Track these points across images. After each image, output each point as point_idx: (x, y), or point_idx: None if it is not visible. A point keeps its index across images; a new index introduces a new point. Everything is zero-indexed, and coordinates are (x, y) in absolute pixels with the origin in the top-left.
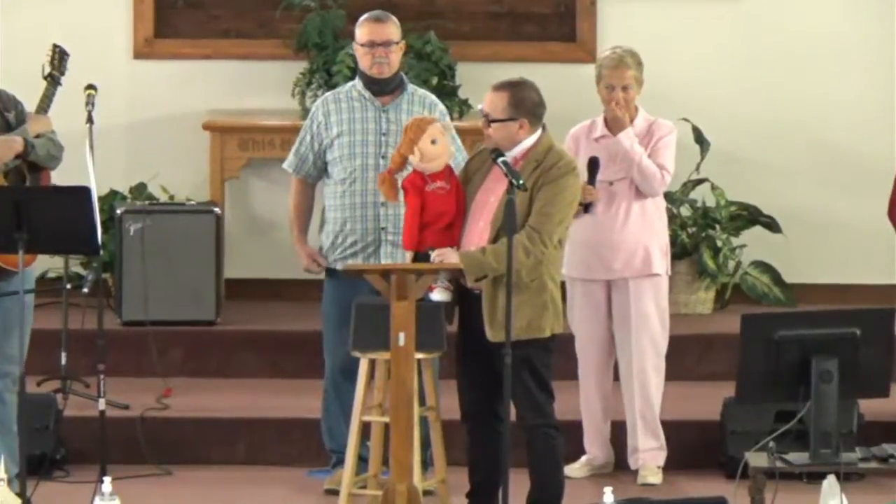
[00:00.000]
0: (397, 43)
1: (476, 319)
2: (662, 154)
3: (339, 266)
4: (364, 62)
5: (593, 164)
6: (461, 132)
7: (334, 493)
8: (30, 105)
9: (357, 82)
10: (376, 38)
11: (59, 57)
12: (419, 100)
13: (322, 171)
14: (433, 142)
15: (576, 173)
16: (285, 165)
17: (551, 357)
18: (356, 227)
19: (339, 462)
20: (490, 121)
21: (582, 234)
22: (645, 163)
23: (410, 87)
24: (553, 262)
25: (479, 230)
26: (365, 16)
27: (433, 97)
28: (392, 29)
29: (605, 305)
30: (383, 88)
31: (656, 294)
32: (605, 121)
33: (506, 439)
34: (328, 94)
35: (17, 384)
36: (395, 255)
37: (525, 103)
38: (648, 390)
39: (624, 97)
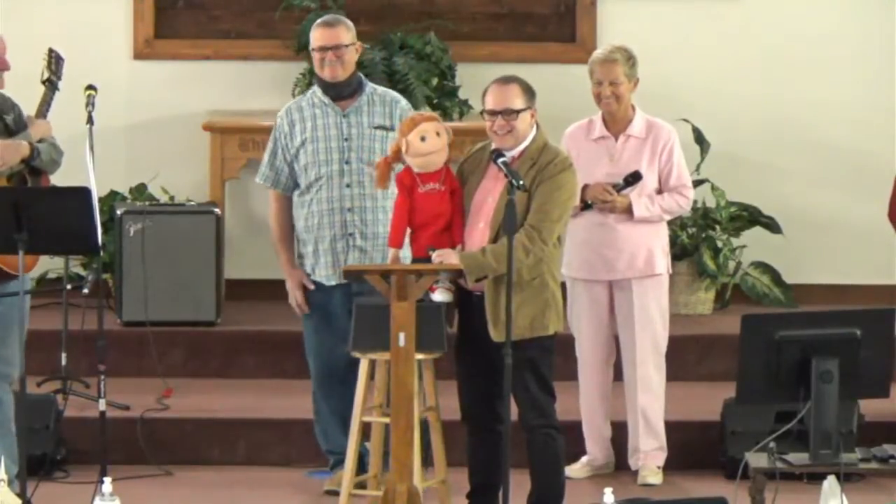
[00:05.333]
0: (348, 45)
1: (477, 320)
2: (675, 172)
3: (315, 275)
4: (317, 66)
5: (634, 177)
6: (461, 132)
7: (335, 493)
8: (27, 108)
9: (317, 88)
10: (326, 43)
11: (56, 62)
12: (380, 99)
13: (297, 181)
14: (422, 138)
15: (573, 170)
16: (260, 180)
17: (553, 357)
18: (324, 234)
19: (339, 463)
20: (516, 111)
21: (584, 234)
22: (666, 207)
23: (370, 86)
24: (553, 261)
25: (479, 231)
26: (317, 21)
27: (394, 94)
28: (342, 32)
29: (607, 306)
30: (340, 92)
31: (658, 294)
32: (604, 120)
33: (506, 440)
34: (291, 103)
35: (15, 385)
36: (364, 261)
37: (530, 92)
38: (651, 390)
39: (613, 91)
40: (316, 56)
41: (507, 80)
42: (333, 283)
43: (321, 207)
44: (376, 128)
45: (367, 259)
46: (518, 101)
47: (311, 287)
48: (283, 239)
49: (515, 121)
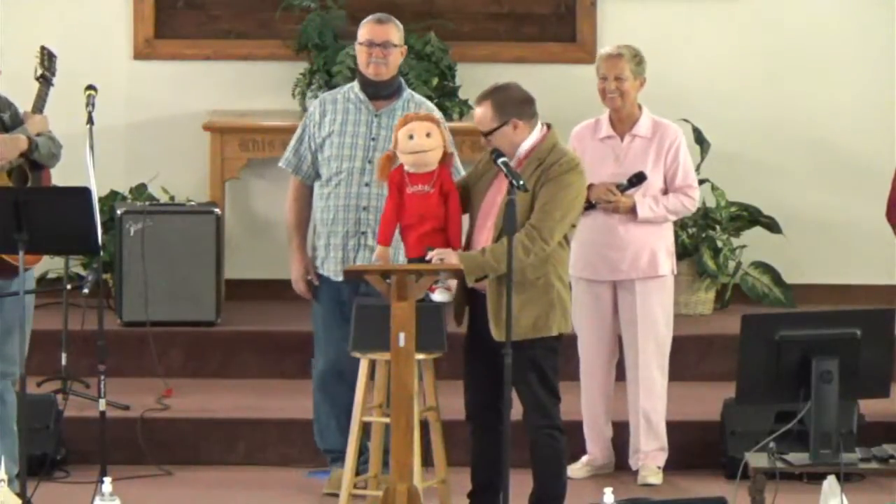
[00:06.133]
0: (396, 46)
1: (483, 319)
2: (681, 173)
3: (323, 269)
4: (361, 60)
5: (638, 178)
6: (461, 132)
7: (334, 495)
8: (25, 106)
9: (355, 84)
10: (375, 38)
11: (48, 58)
12: (415, 107)
13: (318, 172)
14: (410, 136)
15: (579, 170)
16: (282, 164)
17: (558, 358)
18: (337, 229)
19: (336, 460)
20: (484, 134)
21: (587, 234)
22: (671, 208)
23: (407, 92)
24: (560, 262)
25: (486, 230)
26: (368, 17)
27: (430, 104)
28: (392, 31)
29: (610, 306)
30: (379, 91)
31: (662, 295)
32: (610, 120)
33: (506, 439)
34: (326, 94)
35: (17, 384)
36: (373, 260)
37: (509, 104)
38: (654, 391)
39: (617, 87)
40: (362, 51)
41: (480, 100)
42: (341, 278)
43: (338, 203)
44: None
45: (376, 259)
46: (486, 122)
47: (316, 282)
48: (297, 226)
49: (492, 140)
